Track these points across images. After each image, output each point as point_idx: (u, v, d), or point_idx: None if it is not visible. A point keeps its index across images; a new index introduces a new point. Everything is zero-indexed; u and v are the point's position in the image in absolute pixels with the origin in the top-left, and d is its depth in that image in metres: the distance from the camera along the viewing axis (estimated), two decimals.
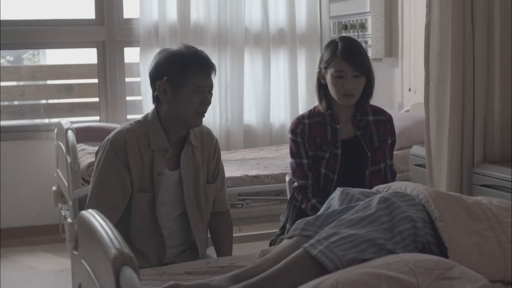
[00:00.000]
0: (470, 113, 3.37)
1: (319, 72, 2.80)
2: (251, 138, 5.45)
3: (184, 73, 2.38)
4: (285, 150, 4.79)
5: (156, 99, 2.47)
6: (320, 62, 2.81)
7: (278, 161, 4.44)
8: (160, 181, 2.44)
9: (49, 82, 5.48)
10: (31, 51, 5.41)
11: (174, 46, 2.53)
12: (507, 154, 3.41)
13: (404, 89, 4.93)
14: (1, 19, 4.91)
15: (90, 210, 1.79)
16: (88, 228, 1.68)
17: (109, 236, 1.55)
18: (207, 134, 2.61)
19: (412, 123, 4.25)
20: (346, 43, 2.73)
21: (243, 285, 1.74)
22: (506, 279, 1.73)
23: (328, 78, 2.75)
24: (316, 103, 5.73)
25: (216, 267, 2.16)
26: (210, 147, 2.60)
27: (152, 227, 2.45)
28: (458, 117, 3.35)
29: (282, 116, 5.56)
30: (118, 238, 1.53)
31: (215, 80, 2.50)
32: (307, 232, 1.91)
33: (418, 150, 3.83)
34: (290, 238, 1.96)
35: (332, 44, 2.76)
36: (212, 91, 2.48)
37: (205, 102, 2.43)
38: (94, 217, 1.70)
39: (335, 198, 2.08)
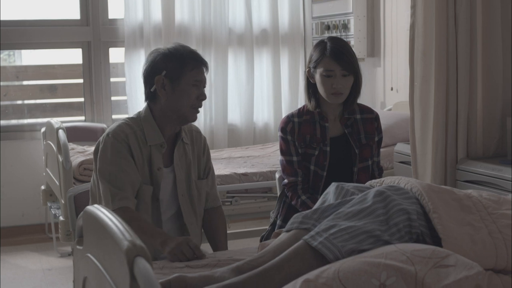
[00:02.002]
0: (454, 111, 3.45)
1: (308, 71, 2.86)
2: (235, 137, 5.51)
3: (183, 67, 2.46)
4: (271, 148, 4.86)
5: (150, 96, 2.53)
6: (309, 61, 2.86)
7: (265, 159, 4.50)
8: (161, 175, 2.49)
9: (33, 82, 5.47)
10: (6, 52, 5.39)
11: (167, 45, 2.58)
12: (489, 150, 3.51)
13: (386, 88, 5.02)
14: None
15: (96, 205, 1.82)
16: (96, 223, 1.72)
17: (119, 229, 1.58)
18: (196, 132, 2.69)
19: (395, 121, 4.33)
20: (335, 43, 2.80)
21: (246, 276, 1.79)
22: (497, 267, 1.80)
23: (317, 77, 2.80)
24: (299, 102, 5.79)
25: (215, 261, 2.21)
26: (200, 145, 2.67)
27: (153, 222, 2.49)
28: (442, 115, 3.44)
29: (265, 115, 5.63)
30: (128, 230, 1.57)
31: None
32: (305, 225, 1.97)
33: (402, 147, 3.90)
34: (288, 231, 2.03)
35: (321, 44, 2.82)
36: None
37: (202, 96, 2.51)
38: (102, 212, 1.74)
39: (330, 193, 2.14)
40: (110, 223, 1.64)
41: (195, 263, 2.21)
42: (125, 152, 2.43)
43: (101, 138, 2.50)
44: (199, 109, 2.54)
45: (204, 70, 2.53)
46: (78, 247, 1.98)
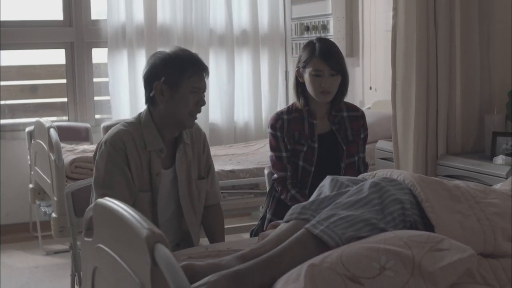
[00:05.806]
0: (434, 109, 3.56)
1: (297, 71, 2.96)
2: (216, 136, 5.58)
3: (181, 74, 2.44)
4: (254, 146, 4.96)
5: (149, 100, 2.51)
6: (298, 61, 2.95)
7: (249, 156, 4.59)
8: (160, 181, 2.50)
9: (13, 83, 5.47)
10: None
11: (169, 49, 2.55)
12: (468, 146, 3.64)
13: (365, 87, 5.12)
14: None
15: (107, 198, 1.89)
16: (111, 214, 1.77)
17: (135, 218, 1.66)
18: (196, 129, 2.67)
19: (375, 119, 4.43)
20: (324, 44, 2.91)
21: (252, 263, 1.88)
22: (485, 251, 1.93)
23: (306, 76, 2.91)
24: (279, 102, 5.85)
25: (215, 252, 2.29)
26: (199, 143, 2.67)
27: None
28: (422, 113, 3.54)
29: (246, 114, 5.71)
30: (144, 219, 1.65)
31: None
32: (304, 216, 2.07)
33: (383, 144, 4.01)
34: (287, 221, 2.12)
35: (310, 45, 2.92)
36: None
37: (200, 103, 2.49)
38: (114, 203, 1.80)
39: (325, 185, 2.23)
40: (126, 213, 1.71)
41: (196, 254, 2.29)
42: (121, 163, 2.42)
43: (99, 145, 2.48)
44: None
45: (205, 76, 2.50)
46: (86, 239, 2.04)
